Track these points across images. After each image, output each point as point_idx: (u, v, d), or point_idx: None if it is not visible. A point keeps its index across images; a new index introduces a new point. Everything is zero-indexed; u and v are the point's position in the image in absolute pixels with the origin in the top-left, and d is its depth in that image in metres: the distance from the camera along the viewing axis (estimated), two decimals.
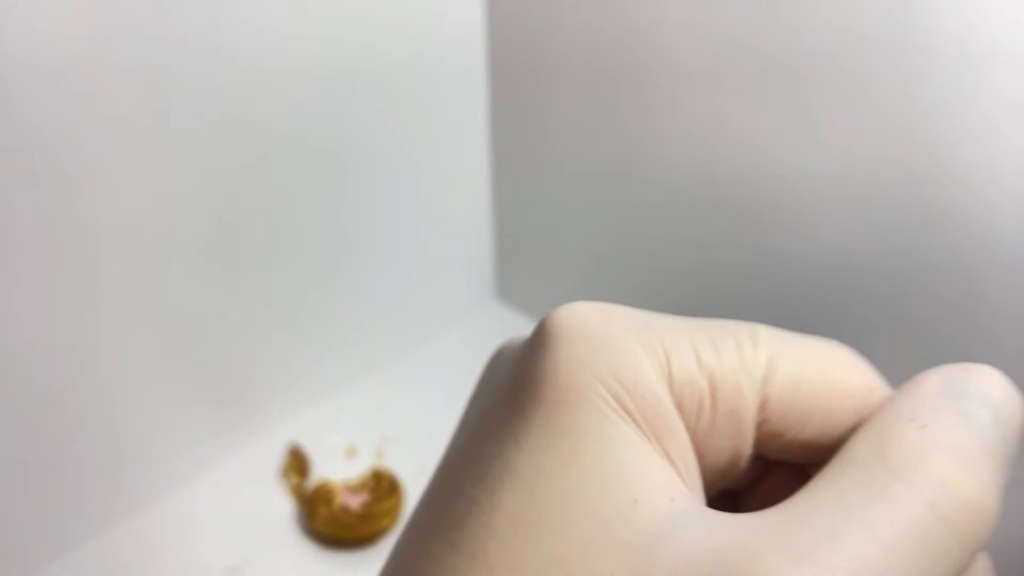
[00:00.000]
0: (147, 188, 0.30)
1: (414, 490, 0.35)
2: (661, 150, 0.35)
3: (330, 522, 0.34)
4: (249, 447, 0.38)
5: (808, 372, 0.14)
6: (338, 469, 0.37)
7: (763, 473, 0.15)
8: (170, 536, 0.34)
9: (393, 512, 0.34)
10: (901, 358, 0.31)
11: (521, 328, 0.45)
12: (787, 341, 0.14)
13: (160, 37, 0.29)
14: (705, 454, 0.14)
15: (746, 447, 0.14)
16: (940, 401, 0.13)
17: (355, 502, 0.34)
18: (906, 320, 0.30)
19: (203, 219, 0.32)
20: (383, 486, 0.35)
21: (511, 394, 0.13)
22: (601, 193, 0.38)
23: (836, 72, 0.28)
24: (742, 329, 0.14)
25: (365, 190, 0.37)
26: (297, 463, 0.37)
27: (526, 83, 0.39)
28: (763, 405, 0.14)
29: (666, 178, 0.35)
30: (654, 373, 0.13)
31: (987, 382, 0.13)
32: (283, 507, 0.35)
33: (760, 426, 0.14)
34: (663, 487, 0.12)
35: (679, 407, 0.13)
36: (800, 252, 0.32)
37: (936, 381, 0.13)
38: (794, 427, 0.14)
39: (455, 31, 0.38)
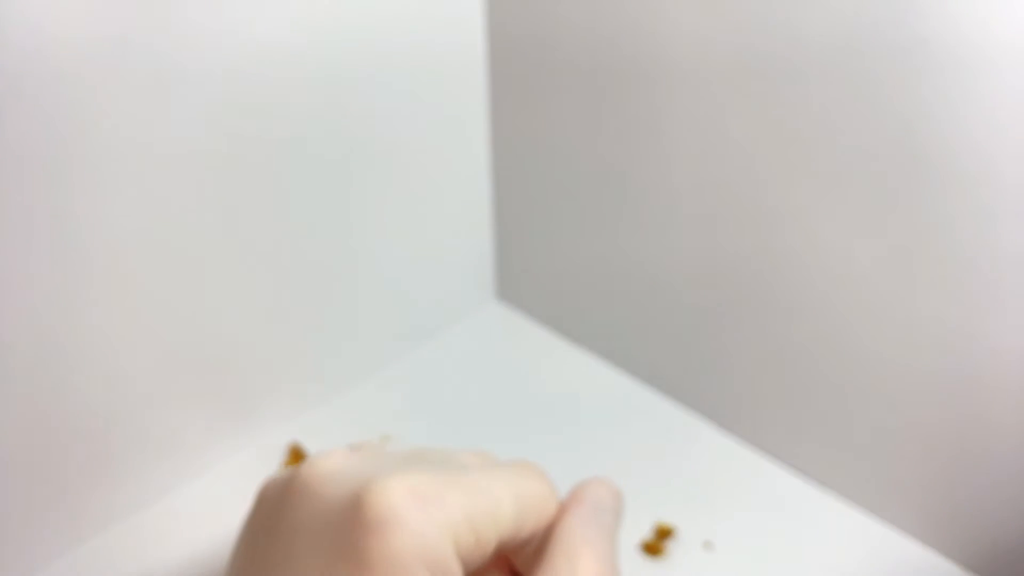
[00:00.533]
0: (148, 189, 0.30)
1: None
2: (662, 150, 0.35)
3: None
4: (250, 446, 0.38)
5: (530, 515, 0.22)
6: None
7: None
8: (170, 536, 0.34)
9: None
10: (900, 357, 0.31)
11: (521, 328, 0.45)
12: (520, 492, 0.22)
13: (162, 40, 0.29)
14: None
15: (483, 564, 0.22)
16: (594, 520, 0.22)
17: None
18: (906, 319, 0.30)
19: (204, 220, 0.32)
20: None
21: (355, 561, 0.19)
22: (602, 193, 0.38)
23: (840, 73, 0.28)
24: (506, 499, 0.21)
25: (365, 190, 0.38)
26: (298, 462, 0.37)
27: (527, 83, 0.39)
28: (501, 542, 0.21)
29: (667, 178, 0.35)
30: (453, 556, 0.20)
31: (611, 496, 0.24)
32: None
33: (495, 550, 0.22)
34: None
35: (461, 561, 0.20)
36: (798, 250, 0.32)
37: (588, 502, 0.23)
38: (510, 544, 0.22)
39: (455, 31, 0.38)
